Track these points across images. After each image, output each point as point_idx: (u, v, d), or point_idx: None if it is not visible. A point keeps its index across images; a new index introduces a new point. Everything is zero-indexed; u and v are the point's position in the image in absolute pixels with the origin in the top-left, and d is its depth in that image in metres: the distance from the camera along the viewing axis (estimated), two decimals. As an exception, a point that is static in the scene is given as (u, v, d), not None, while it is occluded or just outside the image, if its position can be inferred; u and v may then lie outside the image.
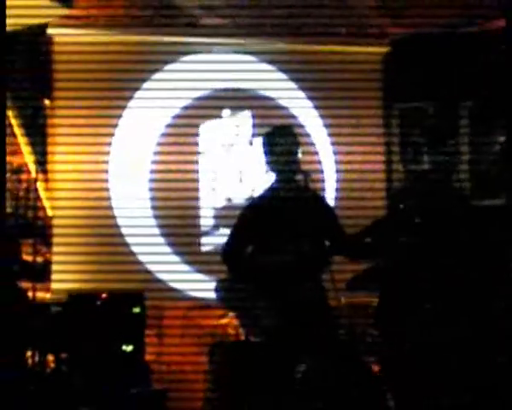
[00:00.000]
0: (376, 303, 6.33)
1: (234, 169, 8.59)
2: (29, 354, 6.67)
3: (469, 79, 8.50)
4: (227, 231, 6.44)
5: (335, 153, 8.54)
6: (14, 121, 8.46)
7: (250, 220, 6.08)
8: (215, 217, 8.41)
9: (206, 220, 8.45)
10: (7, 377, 6.03)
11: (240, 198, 8.18)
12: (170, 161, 8.34)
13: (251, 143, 8.38)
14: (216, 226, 8.32)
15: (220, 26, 8.47)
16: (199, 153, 8.51)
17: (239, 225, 6.12)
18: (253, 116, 8.53)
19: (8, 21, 7.31)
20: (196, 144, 8.51)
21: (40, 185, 8.36)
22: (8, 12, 6.66)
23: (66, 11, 7.80)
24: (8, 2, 6.61)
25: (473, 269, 6.14)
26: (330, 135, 8.54)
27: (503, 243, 6.92)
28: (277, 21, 8.21)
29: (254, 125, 8.47)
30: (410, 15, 7.93)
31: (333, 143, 8.54)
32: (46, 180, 8.36)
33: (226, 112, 8.55)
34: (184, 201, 8.30)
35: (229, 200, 8.45)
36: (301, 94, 8.57)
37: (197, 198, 8.49)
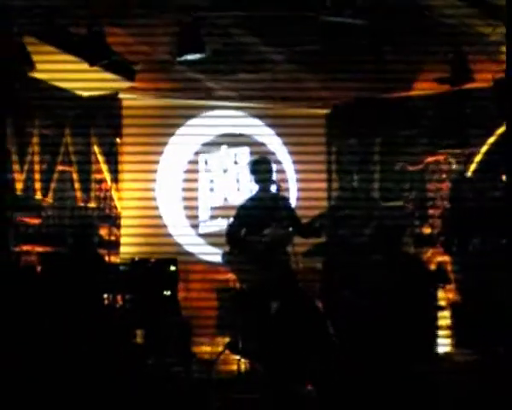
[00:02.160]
0: (322, 265, 6.42)
1: (231, 182, 8.52)
2: (105, 295, 6.63)
3: (378, 124, 8.41)
4: (225, 220, 6.53)
5: (296, 173, 8.51)
6: (98, 153, 8.39)
7: (243, 214, 6.12)
8: (217, 211, 8.38)
9: (212, 214, 8.42)
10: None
11: (233, 200, 8.05)
12: (193, 179, 8.39)
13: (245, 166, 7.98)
14: (218, 217, 8.28)
15: (226, 95, 8.32)
16: (209, 171, 8.49)
17: (235, 218, 6.16)
18: (246, 150, 8.48)
19: (92, 86, 7.55)
20: (207, 167, 8.47)
21: (113, 191, 8.39)
22: (92, 77, 6.86)
23: (129, 84, 7.75)
24: (92, 76, 6.83)
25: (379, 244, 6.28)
26: (293, 162, 8.52)
27: (401, 228, 7.02)
28: (262, 93, 7.95)
29: (247, 155, 8.42)
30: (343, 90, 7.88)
31: (295, 167, 8.53)
32: (117, 188, 8.34)
33: (229, 147, 8.49)
34: (199, 202, 8.43)
35: (225, 201, 8.40)
36: (275, 137, 8.53)
37: (207, 199, 8.46)
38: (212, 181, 8.50)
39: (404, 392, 4.82)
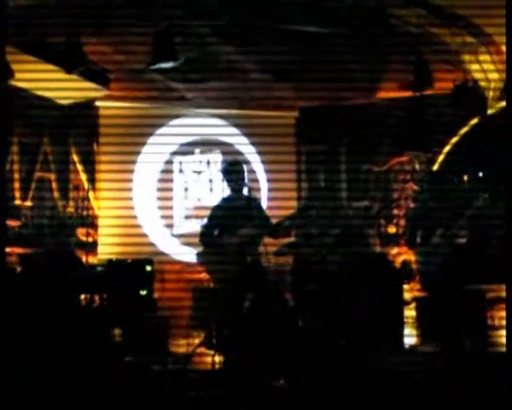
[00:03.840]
0: (292, 262, 6.35)
1: (204, 184, 8.58)
2: (83, 296, 6.54)
3: (344, 129, 8.55)
4: (199, 220, 6.56)
5: (266, 174, 8.59)
6: (76, 158, 8.44)
7: (216, 216, 6.13)
8: (191, 212, 8.44)
9: (187, 214, 8.47)
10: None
11: (206, 202, 8.09)
12: (167, 179, 8.42)
13: (217, 169, 8.29)
14: (193, 217, 8.29)
15: (198, 100, 8.32)
16: (182, 172, 8.55)
17: (209, 219, 6.17)
18: (218, 153, 8.53)
19: (70, 95, 7.53)
20: (181, 170, 8.53)
21: (91, 195, 8.39)
22: (69, 86, 6.82)
23: (105, 91, 7.72)
24: (70, 85, 6.82)
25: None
26: (264, 163, 8.58)
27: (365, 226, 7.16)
28: (232, 95, 8.09)
29: (219, 159, 8.49)
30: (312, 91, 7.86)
31: (265, 169, 8.59)
32: (94, 192, 8.35)
33: (200, 150, 8.56)
34: (174, 202, 8.48)
35: (199, 202, 8.47)
36: (245, 140, 8.60)
37: (182, 201, 8.51)
38: (186, 183, 8.53)
39: (372, 383, 4.81)
